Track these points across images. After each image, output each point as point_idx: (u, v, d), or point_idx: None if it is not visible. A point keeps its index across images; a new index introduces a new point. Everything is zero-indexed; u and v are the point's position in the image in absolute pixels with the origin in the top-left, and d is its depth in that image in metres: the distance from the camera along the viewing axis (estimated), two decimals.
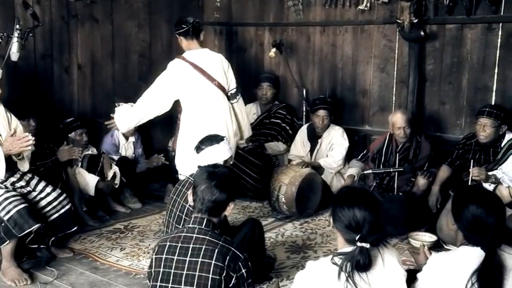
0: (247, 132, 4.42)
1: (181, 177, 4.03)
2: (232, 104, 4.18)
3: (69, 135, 4.59)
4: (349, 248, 2.07)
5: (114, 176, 4.69)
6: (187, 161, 3.91)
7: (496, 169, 4.10)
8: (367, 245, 2.02)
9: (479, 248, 2.11)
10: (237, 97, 4.23)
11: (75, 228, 3.78)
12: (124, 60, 5.60)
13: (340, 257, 2.06)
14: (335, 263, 2.05)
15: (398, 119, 4.52)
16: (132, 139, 5.10)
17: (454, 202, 2.30)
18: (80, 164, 4.52)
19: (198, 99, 3.97)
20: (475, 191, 2.33)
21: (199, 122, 3.95)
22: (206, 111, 3.97)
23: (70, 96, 5.17)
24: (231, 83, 4.18)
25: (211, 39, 6.18)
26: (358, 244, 2.02)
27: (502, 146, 4.14)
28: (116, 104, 4.97)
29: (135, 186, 5.00)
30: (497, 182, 4.01)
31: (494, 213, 2.12)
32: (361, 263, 2.00)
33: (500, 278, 2.05)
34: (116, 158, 4.88)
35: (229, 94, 4.15)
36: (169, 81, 3.94)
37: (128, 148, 5.08)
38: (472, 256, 2.11)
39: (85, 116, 5.06)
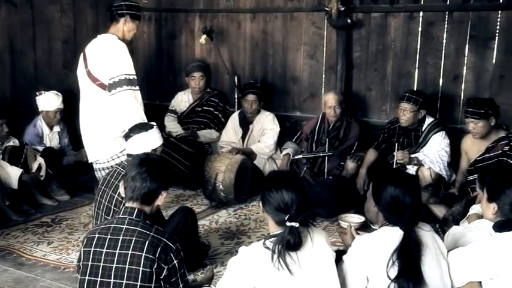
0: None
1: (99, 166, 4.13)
2: (110, 94, 3.87)
3: None
4: (280, 231, 2.13)
5: (39, 167, 4.49)
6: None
7: (418, 152, 4.33)
8: (297, 224, 2.09)
9: (398, 228, 2.22)
10: (114, 90, 3.82)
11: None
12: (47, 47, 5.35)
13: (272, 240, 2.11)
14: (267, 247, 2.10)
15: (330, 99, 4.70)
16: (56, 129, 4.90)
17: (373, 185, 2.40)
18: (0, 156, 4.29)
19: (80, 87, 4.10)
20: (393, 174, 2.46)
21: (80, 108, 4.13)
22: (81, 100, 4.11)
23: None
24: (106, 73, 3.85)
25: (140, 26, 6.01)
26: (288, 224, 2.08)
27: (423, 129, 4.36)
28: (37, 93, 4.77)
29: (62, 178, 4.81)
30: (419, 163, 4.24)
31: (411, 193, 2.24)
32: (292, 242, 2.06)
33: (418, 254, 2.18)
34: (40, 149, 4.67)
35: (108, 84, 3.86)
36: None
37: (52, 138, 4.88)
38: (392, 236, 2.21)
39: (5, 105, 4.79)
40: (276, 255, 2.06)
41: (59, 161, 4.78)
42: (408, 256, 2.15)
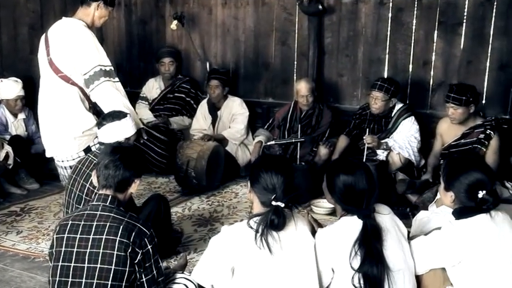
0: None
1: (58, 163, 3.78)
2: (89, 91, 3.58)
3: None
4: (264, 211, 2.17)
5: (7, 156, 4.38)
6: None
7: (388, 137, 4.40)
8: (282, 205, 2.13)
9: (356, 217, 2.22)
10: (91, 86, 3.52)
11: None
12: (12, 32, 5.21)
13: (256, 219, 2.15)
14: (251, 227, 2.14)
15: (302, 88, 4.70)
16: (21, 116, 4.80)
17: (326, 177, 2.39)
18: None
19: (40, 73, 3.74)
20: (343, 163, 2.44)
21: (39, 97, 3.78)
22: (40, 89, 3.74)
23: None
24: (74, 67, 3.53)
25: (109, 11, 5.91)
26: (273, 203, 2.13)
27: (393, 115, 4.42)
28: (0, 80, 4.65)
29: (31, 166, 4.72)
30: (389, 149, 4.30)
31: (364, 180, 2.24)
32: (276, 222, 2.11)
33: (379, 241, 2.19)
34: (7, 137, 4.56)
35: (84, 79, 3.56)
36: None
37: (18, 126, 4.77)
38: (351, 226, 2.22)
39: None
40: (259, 234, 2.10)
41: (27, 149, 4.68)
42: (369, 245, 2.16)
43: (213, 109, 5.21)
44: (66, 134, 3.61)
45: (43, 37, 3.70)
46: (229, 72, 5.40)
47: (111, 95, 3.54)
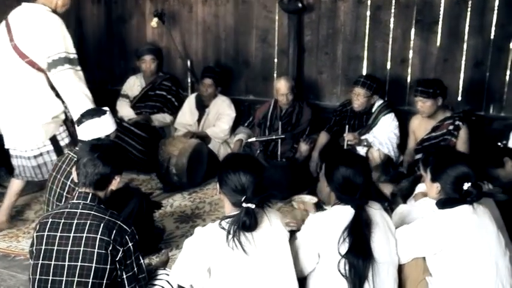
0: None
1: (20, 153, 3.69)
2: (50, 75, 3.52)
3: None
4: (236, 212, 2.18)
5: None
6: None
7: (368, 133, 4.47)
8: (253, 206, 2.14)
9: (349, 206, 2.31)
10: (54, 70, 3.47)
11: None
12: None
13: (228, 220, 2.16)
14: (223, 228, 2.15)
15: (282, 86, 4.73)
16: None
17: (326, 166, 2.49)
18: None
19: None
20: (344, 155, 2.56)
21: None
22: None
23: None
24: (39, 51, 3.47)
25: (89, 8, 5.89)
26: (244, 205, 2.13)
27: (373, 111, 4.50)
28: None
29: (10, 164, 4.66)
30: (369, 145, 4.38)
31: (362, 174, 2.35)
32: (247, 223, 2.12)
33: (368, 232, 2.28)
34: None
35: (47, 63, 3.50)
36: None
37: None
38: (343, 214, 2.30)
39: None
40: (230, 236, 2.11)
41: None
42: (358, 233, 2.24)
43: (201, 106, 5.23)
44: (34, 121, 3.55)
45: (3, 23, 3.63)
46: (224, 71, 5.36)
47: (72, 82, 3.53)
